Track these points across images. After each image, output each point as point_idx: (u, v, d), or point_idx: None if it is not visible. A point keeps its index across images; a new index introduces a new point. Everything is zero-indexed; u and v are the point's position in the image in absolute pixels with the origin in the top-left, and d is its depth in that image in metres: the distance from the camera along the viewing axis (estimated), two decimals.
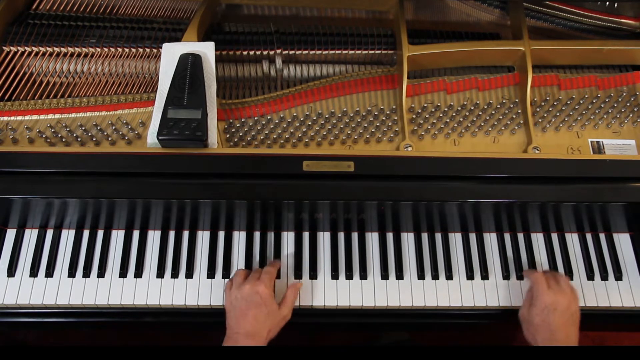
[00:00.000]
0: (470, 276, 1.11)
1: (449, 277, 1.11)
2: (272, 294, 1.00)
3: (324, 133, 1.09)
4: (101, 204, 1.02)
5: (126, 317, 1.07)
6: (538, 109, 1.14)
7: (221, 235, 1.13)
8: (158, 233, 1.13)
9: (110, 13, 1.20)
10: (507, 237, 1.16)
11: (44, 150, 1.00)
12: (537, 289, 1.00)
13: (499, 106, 1.13)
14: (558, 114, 1.13)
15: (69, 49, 1.12)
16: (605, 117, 1.14)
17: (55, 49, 1.12)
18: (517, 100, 1.14)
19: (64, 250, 1.10)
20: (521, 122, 1.12)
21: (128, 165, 0.98)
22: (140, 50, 1.13)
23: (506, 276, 1.11)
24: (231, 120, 1.09)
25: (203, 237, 1.13)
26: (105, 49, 1.13)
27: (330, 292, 1.08)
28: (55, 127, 1.05)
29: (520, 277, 1.11)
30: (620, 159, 1.04)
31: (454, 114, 1.12)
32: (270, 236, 1.13)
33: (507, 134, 1.11)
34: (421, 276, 1.10)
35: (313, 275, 1.09)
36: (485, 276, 1.11)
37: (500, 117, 1.13)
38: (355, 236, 1.14)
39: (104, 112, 1.08)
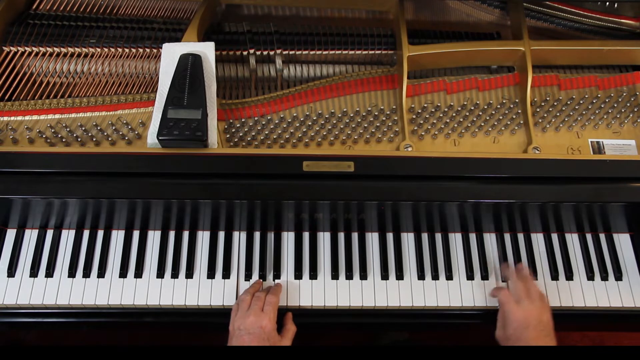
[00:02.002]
0: (470, 276, 1.11)
1: (449, 277, 1.11)
2: (275, 327, 0.99)
3: (324, 133, 1.09)
4: (101, 204, 1.02)
5: (126, 317, 1.07)
6: (538, 109, 1.14)
7: (221, 235, 1.13)
8: (158, 233, 1.13)
9: (110, 13, 1.20)
10: (507, 237, 1.16)
11: (44, 150, 1.01)
12: (507, 309, 1.00)
13: (499, 106, 1.13)
14: (558, 114, 1.13)
15: (69, 49, 1.12)
16: (605, 117, 1.14)
17: (55, 49, 1.12)
18: (517, 101, 1.14)
19: (64, 251, 1.10)
20: (521, 122, 1.12)
21: (128, 165, 0.98)
22: (140, 50, 1.13)
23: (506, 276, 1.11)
24: (231, 120, 1.09)
25: (203, 238, 1.13)
26: (105, 49, 1.13)
27: (330, 292, 1.08)
28: (55, 127, 1.05)
29: None
30: (620, 159, 1.04)
31: (454, 114, 1.12)
32: (270, 236, 1.13)
33: (507, 134, 1.11)
34: (421, 276, 1.10)
35: (313, 275, 1.09)
36: (485, 276, 1.11)
37: (501, 117, 1.13)
38: (355, 236, 1.14)
39: (104, 112, 1.08)
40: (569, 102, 1.14)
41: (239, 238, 1.13)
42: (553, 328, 0.99)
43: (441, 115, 1.12)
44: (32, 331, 1.69)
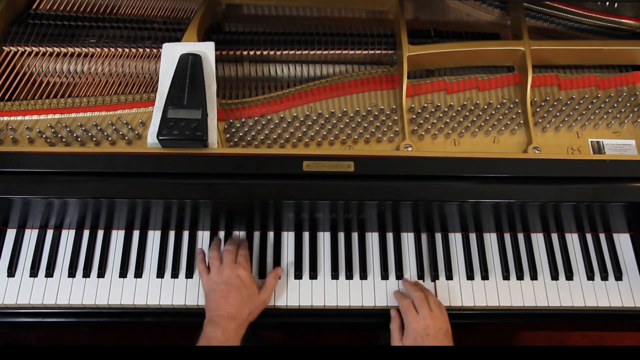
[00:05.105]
0: (470, 276, 1.11)
1: (449, 277, 1.11)
2: (252, 277, 1.02)
3: (324, 133, 1.09)
4: (101, 204, 1.02)
5: (126, 317, 1.07)
6: (538, 109, 1.14)
7: (221, 235, 1.13)
8: (158, 233, 1.13)
9: (110, 13, 1.20)
10: (507, 237, 1.16)
11: (44, 150, 1.00)
12: (407, 318, 1.00)
13: (499, 106, 1.13)
14: (558, 114, 1.13)
15: (69, 49, 1.12)
16: (605, 117, 1.14)
17: (55, 49, 1.12)
18: (517, 100, 1.14)
19: (64, 250, 1.10)
20: (521, 122, 1.12)
21: (128, 165, 0.98)
22: (140, 50, 1.13)
23: (506, 276, 1.11)
24: (231, 120, 1.09)
25: (203, 237, 1.13)
26: (105, 49, 1.13)
27: (330, 292, 1.08)
28: (55, 127, 1.05)
29: (520, 277, 1.11)
30: (620, 159, 1.04)
31: (454, 114, 1.12)
32: (270, 236, 1.13)
33: (507, 134, 1.11)
34: (421, 276, 1.10)
35: (313, 275, 1.09)
36: (485, 276, 1.11)
37: (501, 117, 1.13)
38: (355, 236, 1.14)
39: (104, 112, 1.08)
40: (569, 102, 1.14)
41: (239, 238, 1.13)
42: (451, 336, 1.00)
43: (441, 115, 1.12)
44: (32, 331, 1.70)
